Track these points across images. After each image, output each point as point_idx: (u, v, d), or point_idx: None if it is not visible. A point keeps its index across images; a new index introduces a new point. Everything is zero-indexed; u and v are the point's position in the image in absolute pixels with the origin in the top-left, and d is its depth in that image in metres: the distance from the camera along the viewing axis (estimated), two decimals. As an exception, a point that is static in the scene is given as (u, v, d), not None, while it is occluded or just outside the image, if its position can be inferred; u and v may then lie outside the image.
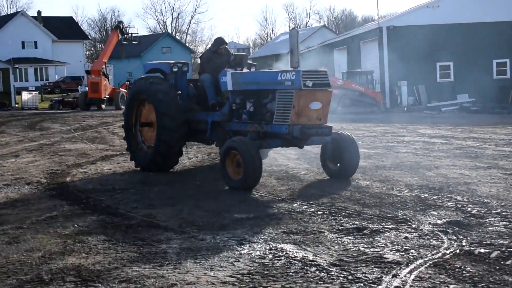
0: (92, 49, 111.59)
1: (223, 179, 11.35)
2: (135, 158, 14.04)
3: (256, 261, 6.70)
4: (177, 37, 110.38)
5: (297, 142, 11.53)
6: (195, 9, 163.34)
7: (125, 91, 48.21)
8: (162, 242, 7.56)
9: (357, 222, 8.41)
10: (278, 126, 11.39)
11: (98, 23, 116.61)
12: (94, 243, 7.61)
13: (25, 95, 52.47)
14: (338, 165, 12.03)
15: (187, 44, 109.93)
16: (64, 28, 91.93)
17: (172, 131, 13.08)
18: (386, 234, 7.76)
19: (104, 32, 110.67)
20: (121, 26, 48.15)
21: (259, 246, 7.31)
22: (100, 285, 6.00)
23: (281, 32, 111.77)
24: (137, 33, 51.27)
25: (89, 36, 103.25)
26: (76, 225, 8.58)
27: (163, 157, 13.30)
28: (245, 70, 13.15)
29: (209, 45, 14.23)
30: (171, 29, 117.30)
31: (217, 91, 13.16)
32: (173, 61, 14.04)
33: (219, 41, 13.63)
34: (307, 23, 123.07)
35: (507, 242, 7.26)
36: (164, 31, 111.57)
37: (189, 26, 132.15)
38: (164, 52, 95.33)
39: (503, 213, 8.77)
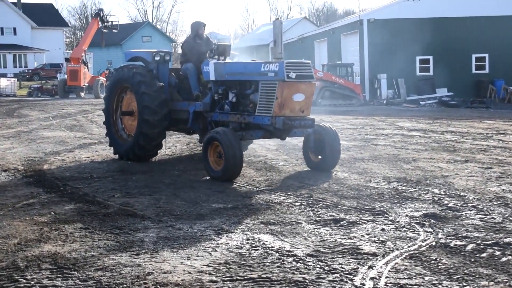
0: (72, 36, 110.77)
1: (205, 169, 11.29)
2: (114, 145, 13.88)
3: (233, 251, 6.70)
4: (157, 26, 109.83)
5: (280, 133, 11.40)
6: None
7: (105, 79, 48.03)
8: (139, 231, 7.54)
9: (334, 214, 8.43)
10: (260, 118, 11.27)
11: (78, 11, 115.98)
12: (70, 231, 7.57)
13: (3, 82, 51.93)
14: (320, 157, 11.91)
15: (167, 33, 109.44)
16: (43, 15, 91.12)
17: (153, 125, 12.87)
18: (363, 226, 7.79)
19: (84, 20, 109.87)
20: (102, 14, 47.87)
21: (237, 236, 7.31)
22: (76, 273, 5.97)
23: (262, 23, 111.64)
24: (117, 21, 51.01)
25: (69, 24, 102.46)
26: (52, 213, 8.53)
27: (142, 150, 13.13)
28: (228, 60, 12.91)
29: (189, 34, 14.11)
30: (152, 18, 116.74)
31: (199, 81, 13.06)
32: (155, 50, 13.78)
33: (197, 25, 13.50)
34: (288, 14, 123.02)
35: (482, 235, 7.32)
36: (144, 20, 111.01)
37: (170, 15, 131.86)
38: (145, 41, 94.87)
39: (479, 206, 8.84)
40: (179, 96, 13.41)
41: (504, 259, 6.41)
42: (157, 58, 13.36)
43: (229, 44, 12.86)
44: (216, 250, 6.71)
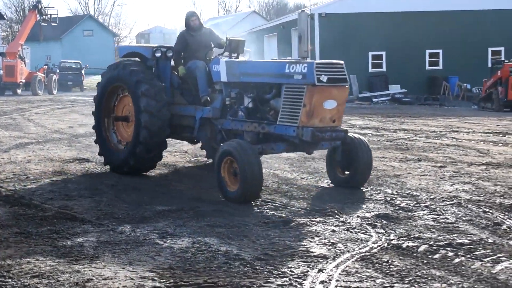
0: (8, 30, 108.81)
1: (220, 190, 9.81)
2: (105, 154, 12.40)
3: (178, 255, 6.67)
4: (99, 19, 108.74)
5: (306, 147, 10.10)
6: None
7: (43, 75, 47.47)
8: (78, 235, 7.45)
9: (283, 215, 8.46)
10: (283, 127, 9.90)
11: (15, 3, 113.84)
12: (5, 236, 7.43)
13: None
14: (347, 172, 10.58)
15: (110, 27, 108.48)
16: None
17: (153, 133, 11.38)
18: (313, 228, 7.83)
19: (21, 12, 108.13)
20: (40, 6, 47.20)
21: (182, 239, 7.27)
22: (10, 280, 5.86)
23: (210, 17, 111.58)
24: (57, 14, 50.41)
25: (5, 16, 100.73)
26: (-14, 217, 8.38)
27: (139, 161, 11.62)
28: (241, 58, 11.46)
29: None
30: (94, 11, 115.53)
31: (209, 82, 11.58)
32: (155, 45, 12.32)
33: (188, 14, 12.21)
34: (236, 8, 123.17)
35: (435, 235, 7.43)
36: (85, 13, 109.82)
37: (112, 8, 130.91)
38: (86, 35, 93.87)
39: (432, 206, 8.98)
40: (182, 98, 11.97)
41: (457, 260, 6.51)
42: (158, 54, 11.94)
43: (243, 39, 11.52)
44: (160, 255, 6.67)
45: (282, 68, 10.04)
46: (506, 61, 34.42)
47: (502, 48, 43.10)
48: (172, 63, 12.22)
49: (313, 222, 8.08)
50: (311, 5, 51.01)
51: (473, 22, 42.09)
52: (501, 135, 18.77)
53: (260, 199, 9.46)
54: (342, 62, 10.02)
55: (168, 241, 7.19)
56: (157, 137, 11.47)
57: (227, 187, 9.60)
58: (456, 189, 10.32)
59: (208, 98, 11.33)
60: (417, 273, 6.10)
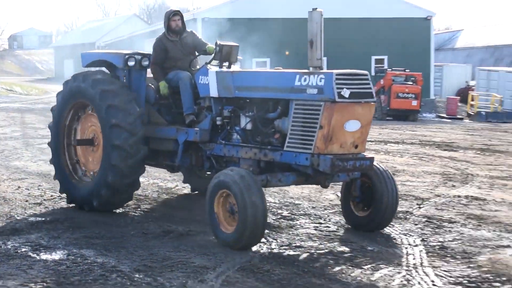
0: None
1: (212, 230, 8.01)
2: (67, 190, 10.13)
3: (51, 268, 6.59)
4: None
5: (322, 178, 8.41)
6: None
7: None
8: None
9: (163, 225, 8.49)
10: (292, 155, 8.19)
11: None
12: None
13: None
14: (368, 210, 8.79)
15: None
16: None
17: (127, 152, 9.36)
18: (194, 238, 7.91)
19: None
20: None
21: (56, 252, 7.20)
22: None
23: (88, 19, 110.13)
24: None
25: None
26: None
27: (111, 191, 9.44)
28: (234, 67, 9.73)
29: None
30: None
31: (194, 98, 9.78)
32: (128, 51, 10.34)
33: (168, 13, 10.32)
34: (116, 11, 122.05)
35: (316, 244, 7.65)
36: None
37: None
38: None
39: (314, 215, 9.23)
40: (160, 117, 10.11)
41: (337, 268, 6.74)
42: (131, 63, 10.00)
43: (236, 44, 9.73)
44: (32, 268, 6.57)
45: (291, 80, 8.38)
46: (389, 69, 35.57)
47: (386, 57, 44.48)
48: (148, 73, 10.36)
49: (193, 232, 8.16)
50: (194, 9, 51.10)
51: (357, 30, 43.19)
52: (383, 143, 19.43)
53: (139, 209, 9.46)
54: (366, 72, 8.39)
55: (41, 254, 7.10)
56: (132, 159, 9.46)
57: (220, 228, 7.94)
58: (338, 197, 10.61)
59: (195, 118, 9.66)
60: (298, 282, 6.27)
